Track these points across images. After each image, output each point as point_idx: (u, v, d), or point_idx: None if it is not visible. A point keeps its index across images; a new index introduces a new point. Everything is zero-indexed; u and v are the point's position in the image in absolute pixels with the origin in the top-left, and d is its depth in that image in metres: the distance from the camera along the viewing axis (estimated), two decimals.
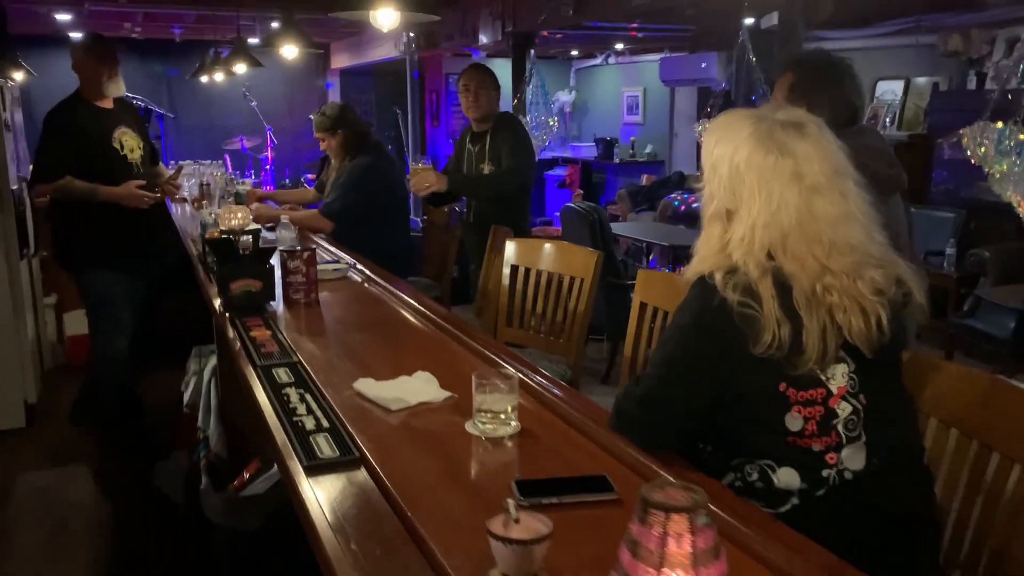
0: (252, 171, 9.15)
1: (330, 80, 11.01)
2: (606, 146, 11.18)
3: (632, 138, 11.14)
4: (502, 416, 1.48)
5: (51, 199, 3.94)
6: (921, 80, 7.24)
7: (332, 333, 2.23)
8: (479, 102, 3.92)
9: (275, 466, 2.04)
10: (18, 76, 5.85)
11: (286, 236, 2.80)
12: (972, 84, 6.49)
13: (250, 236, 2.79)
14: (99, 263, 3.89)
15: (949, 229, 6.32)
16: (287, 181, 10.10)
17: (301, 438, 1.50)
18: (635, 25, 7.91)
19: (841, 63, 2.42)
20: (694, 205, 8.98)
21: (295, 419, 1.58)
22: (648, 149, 11.13)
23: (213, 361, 2.70)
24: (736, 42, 8.61)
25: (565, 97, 12.34)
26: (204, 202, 4.80)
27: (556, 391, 1.71)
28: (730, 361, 1.39)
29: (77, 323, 5.55)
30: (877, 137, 2.68)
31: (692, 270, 1.50)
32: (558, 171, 12.02)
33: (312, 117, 5.04)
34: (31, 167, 3.83)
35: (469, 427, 1.52)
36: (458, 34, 6.30)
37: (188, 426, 2.92)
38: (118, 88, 3.91)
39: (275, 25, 7.93)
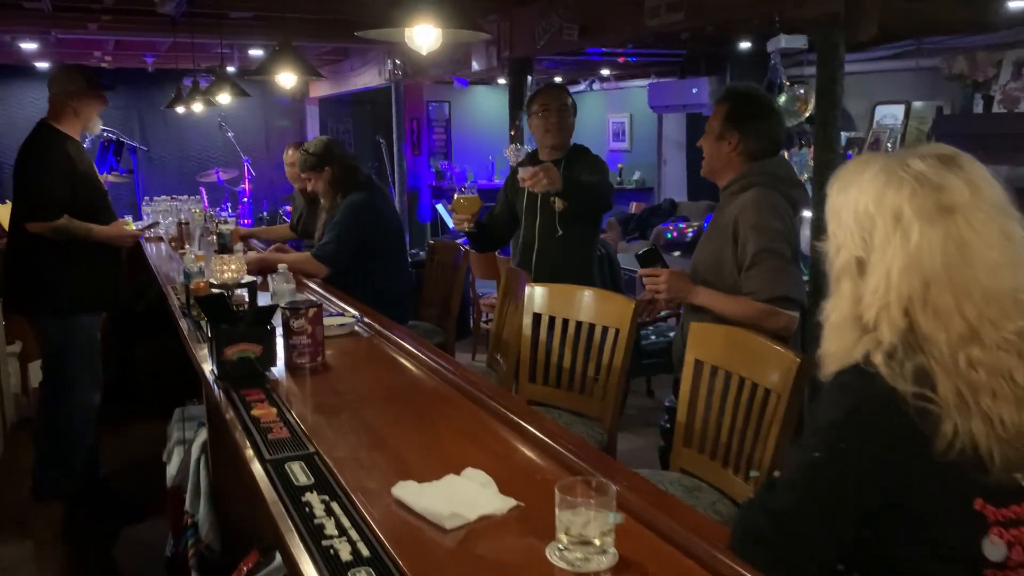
0: (229, 204, 8.76)
1: (309, 108, 10.68)
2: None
3: (620, 165, 10.91)
4: (596, 543, 1.15)
5: (8, 241, 3.63)
6: (919, 104, 7.05)
7: (349, 409, 1.89)
8: (562, 126, 3.30)
9: (277, 558, 1.70)
10: None
11: (284, 288, 2.45)
12: (979, 107, 6.31)
13: (245, 290, 2.45)
14: (78, 307, 3.57)
15: None
16: (265, 214, 9.73)
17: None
18: (628, 50, 7.69)
19: (770, 99, 2.59)
20: (689, 233, 8.74)
21: (325, 544, 1.24)
22: (636, 176, 10.90)
23: (203, 436, 2.34)
24: (727, 66, 8.46)
25: None
26: (185, 244, 4.44)
27: (651, 496, 1.38)
28: (902, 469, 1.08)
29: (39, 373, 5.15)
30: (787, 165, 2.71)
31: (830, 353, 1.18)
32: None
33: (289, 151, 4.75)
34: (21, 204, 3.48)
35: (551, 555, 1.19)
36: (447, 60, 6.01)
37: (173, 505, 2.55)
38: (97, 126, 3.73)
39: (253, 53, 7.63)
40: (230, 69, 8.81)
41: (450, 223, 10.51)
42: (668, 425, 3.39)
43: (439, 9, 2.20)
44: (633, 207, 9.92)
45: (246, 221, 8.74)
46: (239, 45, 6.82)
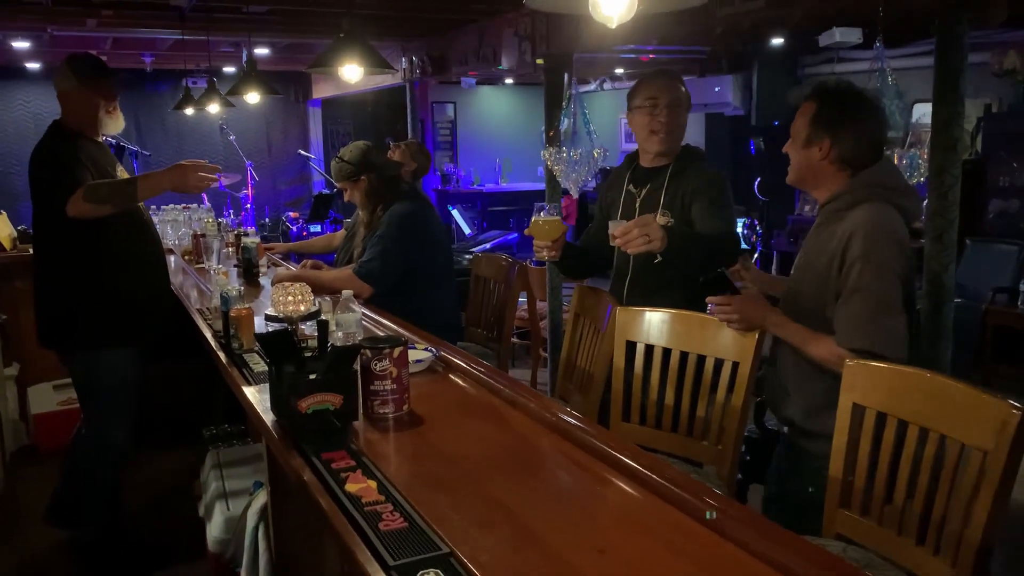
0: (231, 210, 8.35)
1: (311, 110, 10.28)
2: (605, 175, 10.59)
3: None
4: None
5: (40, 268, 3.11)
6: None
7: (468, 481, 1.51)
8: (672, 127, 2.67)
9: None
10: None
11: (350, 319, 2.07)
12: None
13: (312, 322, 2.07)
14: (119, 340, 3.08)
15: (1014, 263, 5.78)
16: (267, 220, 9.31)
17: None
18: (651, 47, 7.34)
19: (869, 97, 2.15)
20: None
21: None
22: None
23: (260, 500, 1.96)
24: (753, 64, 8.12)
25: None
26: (203, 258, 4.05)
27: None
28: None
29: (43, 398, 4.74)
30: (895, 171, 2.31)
31: None
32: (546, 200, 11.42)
33: (299, 156, 4.32)
34: (43, 209, 2.98)
35: None
36: (473, 57, 5.63)
37: (218, 573, 2.16)
38: (117, 124, 3.21)
39: (260, 52, 7.23)
40: (229, 70, 8.42)
41: (466, 228, 10.14)
42: (747, 458, 3.04)
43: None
44: None
45: (250, 228, 8.33)
46: (245, 42, 6.41)
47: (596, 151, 4.56)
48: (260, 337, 1.79)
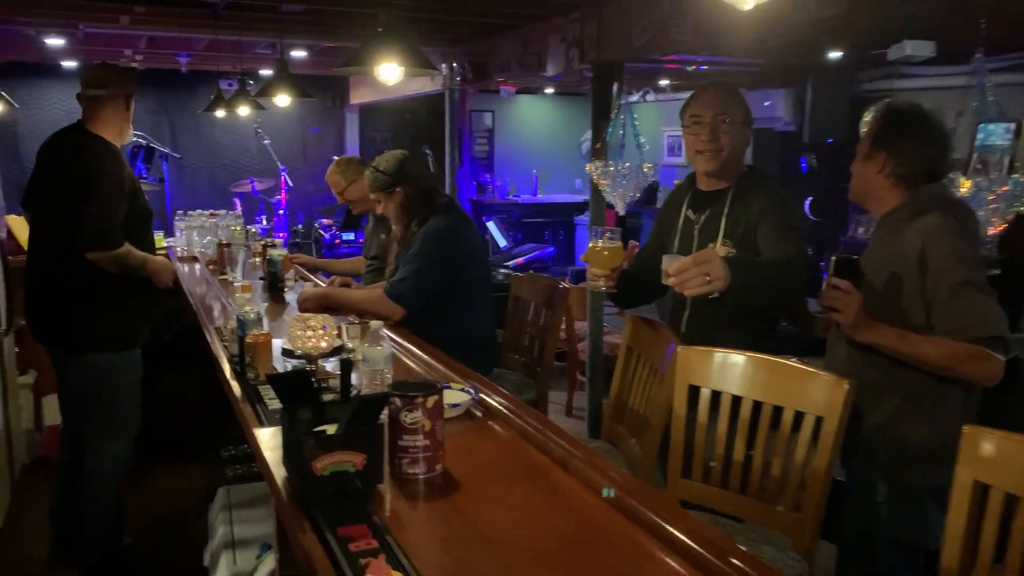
0: (264, 216, 8.17)
1: (348, 116, 10.08)
2: (647, 189, 10.27)
3: (676, 181, 10.23)
4: None
5: (29, 263, 3.13)
6: None
7: (512, 567, 1.23)
8: (720, 142, 2.38)
9: None
10: None
11: (377, 354, 1.80)
12: None
13: (335, 358, 1.80)
14: (126, 342, 3.17)
15: None
16: (300, 226, 9.12)
17: None
18: (701, 59, 7.04)
19: (932, 118, 2.14)
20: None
21: None
22: None
23: (268, 565, 1.69)
24: (807, 78, 7.77)
25: None
26: (227, 268, 3.82)
27: None
28: None
29: (55, 408, 4.53)
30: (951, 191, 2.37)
31: None
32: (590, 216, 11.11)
33: (331, 166, 4.12)
34: (83, 226, 2.97)
35: None
36: (516, 64, 5.37)
37: None
38: (129, 135, 3.29)
39: (297, 55, 7.04)
40: (266, 72, 8.24)
41: (501, 241, 9.87)
42: None
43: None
44: None
45: (282, 235, 8.15)
46: (284, 44, 6.21)
47: (646, 166, 4.26)
48: (272, 379, 1.52)
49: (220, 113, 5.43)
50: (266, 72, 8.11)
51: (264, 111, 5.85)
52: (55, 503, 3.34)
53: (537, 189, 11.39)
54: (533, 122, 11.60)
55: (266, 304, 3.34)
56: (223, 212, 4.91)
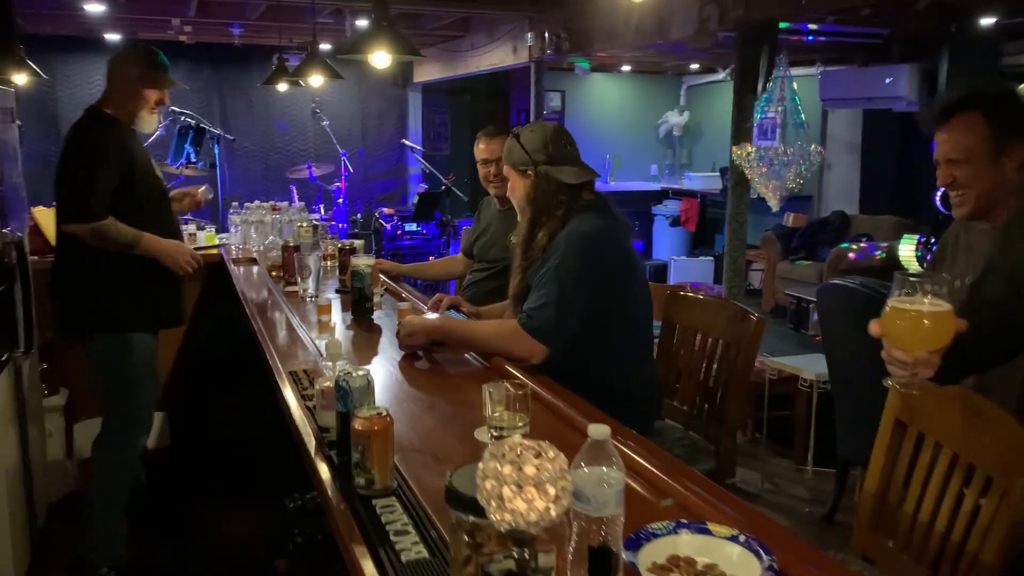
0: (322, 204, 7.42)
1: (411, 95, 9.30)
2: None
3: None
4: None
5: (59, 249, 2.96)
6: None
7: None
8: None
9: None
10: (20, 79, 4.15)
11: (604, 493, 0.98)
12: None
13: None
14: (135, 321, 2.96)
15: None
16: (359, 216, 8.37)
17: None
18: (824, 27, 6.09)
19: None
20: (876, 256, 7.10)
21: None
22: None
23: None
24: (941, 51, 6.79)
25: (675, 119, 10.59)
26: (297, 279, 3.05)
27: None
28: None
29: (90, 436, 3.82)
30: None
31: None
32: (668, 205, 10.21)
33: (480, 134, 3.14)
34: (61, 199, 2.88)
35: None
36: (630, 29, 4.51)
37: None
38: (152, 124, 3.05)
39: (360, 24, 6.26)
40: (326, 47, 7.50)
41: None
42: None
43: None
44: (791, 219, 8.27)
45: (342, 225, 7.40)
46: (357, 9, 5.44)
47: (812, 147, 3.39)
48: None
49: (282, 87, 4.65)
50: (326, 47, 7.37)
51: (323, 89, 5.08)
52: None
53: (609, 176, 10.52)
54: (607, 103, 10.72)
55: (350, 331, 2.56)
56: (284, 204, 4.14)
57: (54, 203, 3.04)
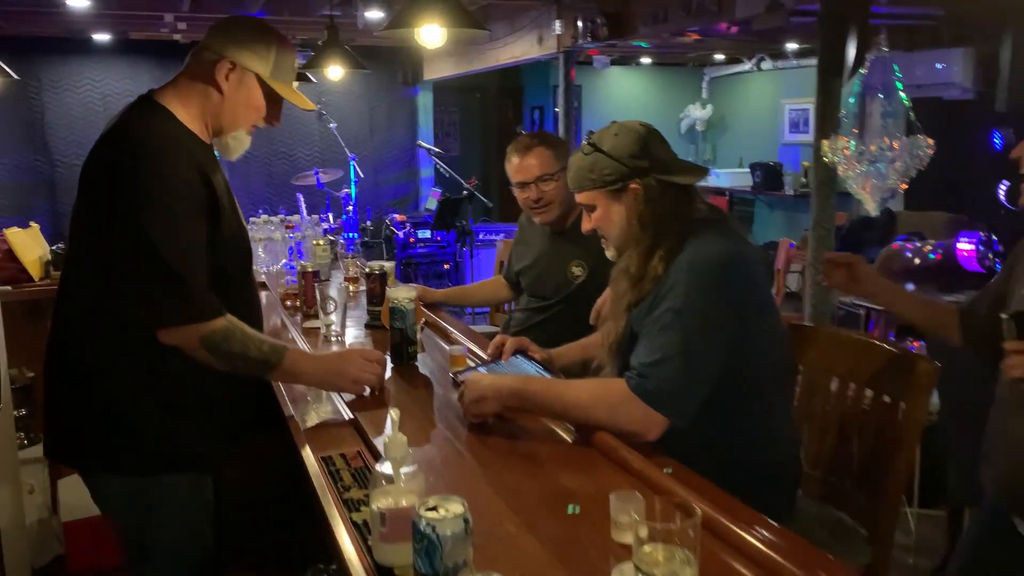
0: (330, 212, 6.87)
1: (419, 94, 8.75)
2: (767, 173, 8.80)
3: (804, 163, 8.76)
4: None
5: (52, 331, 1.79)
6: None
7: None
8: None
9: None
10: None
11: None
12: None
13: None
14: (187, 459, 1.82)
15: None
16: (368, 223, 7.83)
17: None
18: (882, 9, 5.55)
19: None
20: (930, 255, 6.57)
21: None
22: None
23: None
24: (1004, 36, 6.24)
25: (697, 113, 10.05)
26: (319, 312, 2.50)
27: None
28: None
29: (78, 496, 3.28)
30: None
31: None
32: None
33: (529, 139, 2.52)
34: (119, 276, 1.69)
35: None
36: (681, 11, 3.97)
37: None
38: (240, 148, 1.96)
39: (369, 16, 5.73)
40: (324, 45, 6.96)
41: None
42: None
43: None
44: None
45: (351, 235, 6.85)
46: (355, 4, 4.94)
47: (920, 139, 2.85)
48: None
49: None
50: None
51: (328, 90, 4.55)
52: None
53: None
54: (625, 97, 10.19)
55: (390, 388, 2.01)
56: (296, 218, 3.61)
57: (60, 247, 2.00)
